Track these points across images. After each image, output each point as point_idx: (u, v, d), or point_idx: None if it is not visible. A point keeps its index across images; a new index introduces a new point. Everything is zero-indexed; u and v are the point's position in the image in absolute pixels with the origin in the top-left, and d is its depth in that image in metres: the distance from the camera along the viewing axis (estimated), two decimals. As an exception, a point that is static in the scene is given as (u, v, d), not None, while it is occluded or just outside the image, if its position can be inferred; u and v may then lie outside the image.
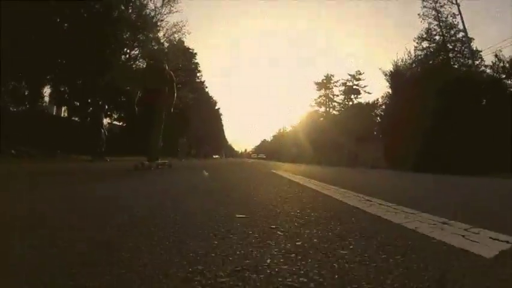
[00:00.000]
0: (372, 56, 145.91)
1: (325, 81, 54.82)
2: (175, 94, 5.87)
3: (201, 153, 35.12)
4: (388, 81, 34.63)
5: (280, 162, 24.42)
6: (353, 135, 27.83)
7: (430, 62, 28.91)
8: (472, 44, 28.02)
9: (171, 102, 5.79)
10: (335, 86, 54.35)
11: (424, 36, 31.21)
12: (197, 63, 38.37)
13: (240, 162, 11.11)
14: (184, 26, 21.40)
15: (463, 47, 29.38)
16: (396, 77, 22.53)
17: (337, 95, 53.90)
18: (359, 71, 53.18)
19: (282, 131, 65.92)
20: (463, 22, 26.05)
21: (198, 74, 38.88)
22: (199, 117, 31.26)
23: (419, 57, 30.34)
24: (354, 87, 54.00)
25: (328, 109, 54.27)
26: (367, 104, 40.50)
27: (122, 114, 26.50)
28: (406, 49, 39.76)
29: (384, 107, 32.95)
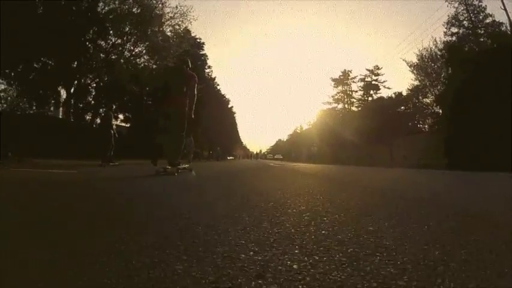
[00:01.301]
0: (383, 52, 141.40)
1: (342, 77, 52.27)
2: (196, 97, 5.53)
3: (213, 155, 33.61)
4: (413, 72, 32.41)
5: (301, 163, 22.42)
6: (386, 132, 25.40)
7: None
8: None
9: (191, 105, 5.45)
10: (353, 82, 51.78)
11: (453, 21, 29.10)
12: (205, 55, 36.40)
13: (263, 167, 9.19)
14: (190, 11, 19.27)
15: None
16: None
17: (356, 91, 51.32)
18: (377, 65, 50.48)
19: (299, 129, 63.60)
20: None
21: (206, 67, 36.98)
22: (211, 115, 29.32)
23: (450, 42, 28.16)
24: (373, 82, 51.43)
25: (347, 106, 51.78)
26: (390, 98, 37.94)
27: (127, 114, 25.27)
28: (432, 37, 37.12)
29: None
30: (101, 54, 18.02)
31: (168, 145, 5.38)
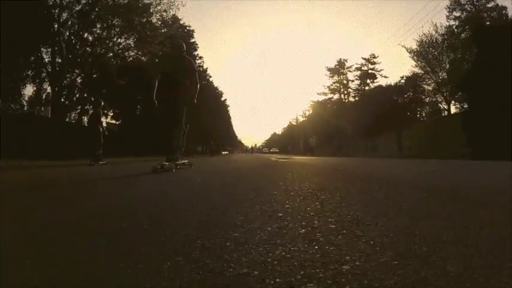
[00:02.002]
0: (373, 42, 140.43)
1: (338, 66, 50.94)
2: (198, 85, 5.17)
3: (207, 150, 32.20)
4: (413, 59, 31.19)
5: (302, 156, 21.02)
6: (386, 121, 24.19)
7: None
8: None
9: (194, 94, 5.05)
10: (349, 71, 50.49)
11: (455, 5, 28.01)
12: (195, 43, 33.97)
13: (263, 162, 8.20)
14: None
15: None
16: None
17: (352, 81, 50.09)
18: (373, 54, 49.26)
19: (294, 121, 62.09)
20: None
21: (197, 57, 34.54)
22: (204, 109, 27.63)
23: (453, 27, 27.21)
24: (370, 71, 50.23)
25: (343, 96, 50.58)
26: (389, 86, 36.74)
27: (116, 111, 23.81)
28: (432, 22, 36.15)
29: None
30: (87, 48, 16.50)
31: (167, 138, 4.93)
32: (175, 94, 4.81)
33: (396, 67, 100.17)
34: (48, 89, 16.92)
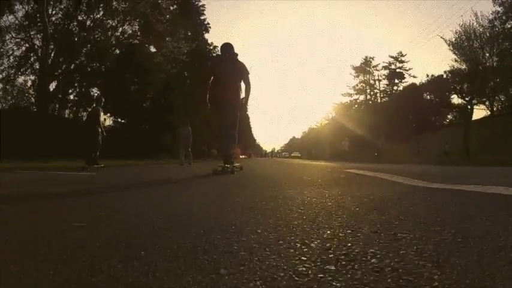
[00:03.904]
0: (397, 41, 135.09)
1: (364, 65, 47.90)
2: (251, 87, 5.08)
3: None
4: (454, 52, 28.05)
5: (337, 163, 18.22)
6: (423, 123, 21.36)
7: None
8: None
9: (247, 97, 5.07)
10: (376, 69, 47.35)
11: None
12: (206, 22, 29.28)
13: (296, 168, 6.46)
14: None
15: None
16: None
17: (380, 80, 46.90)
18: (401, 52, 46.00)
19: (318, 124, 59.01)
20: None
21: (210, 41, 30.27)
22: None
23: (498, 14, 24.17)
24: (398, 70, 46.91)
25: (369, 96, 47.46)
26: (423, 84, 33.57)
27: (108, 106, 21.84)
28: (473, 10, 33.06)
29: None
30: (84, 33, 14.77)
31: (224, 142, 4.99)
32: (229, 97, 4.81)
33: (424, 67, 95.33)
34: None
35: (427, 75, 34.84)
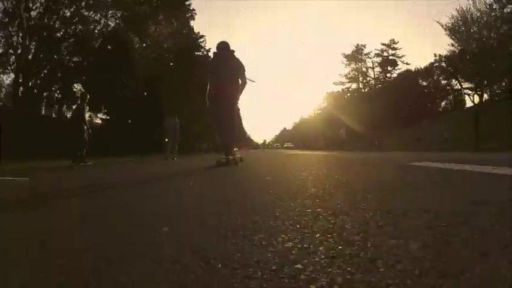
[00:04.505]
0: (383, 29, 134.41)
1: (355, 53, 46.82)
2: (246, 82, 5.29)
3: (214, 146, 28.61)
4: (451, 37, 27.21)
5: (339, 151, 16.97)
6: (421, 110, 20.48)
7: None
8: None
9: (241, 90, 5.27)
10: (368, 57, 46.35)
11: None
12: (192, 10, 26.17)
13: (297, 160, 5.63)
14: None
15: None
16: None
17: (372, 68, 45.97)
18: (393, 39, 45.07)
19: (312, 114, 57.82)
20: None
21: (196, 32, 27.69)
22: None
23: None
24: (391, 57, 46.03)
25: (361, 85, 46.56)
26: (418, 70, 32.76)
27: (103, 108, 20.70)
28: None
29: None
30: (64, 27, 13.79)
31: (225, 136, 5.14)
32: (228, 93, 5.01)
33: (417, 54, 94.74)
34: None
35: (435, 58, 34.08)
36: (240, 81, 5.17)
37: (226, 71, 5.02)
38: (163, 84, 19.22)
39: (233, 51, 5.27)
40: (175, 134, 9.97)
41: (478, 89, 26.24)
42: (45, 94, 17.17)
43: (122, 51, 17.26)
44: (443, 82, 31.48)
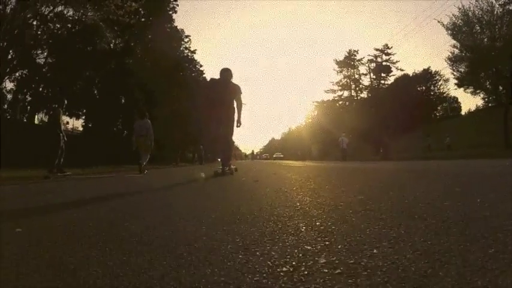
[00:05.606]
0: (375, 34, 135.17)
1: (347, 60, 44.76)
2: (242, 104, 5.78)
3: (196, 158, 25.63)
4: (451, 35, 25.18)
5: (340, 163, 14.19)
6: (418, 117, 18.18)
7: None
8: None
9: (240, 113, 5.75)
10: (361, 63, 44.33)
11: None
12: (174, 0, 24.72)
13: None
14: None
15: None
16: None
17: (365, 74, 43.91)
18: (386, 44, 43.25)
19: (303, 123, 55.12)
20: None
21: (183, 36, 27.63)
22: (193, 105, 20.54)
23: None
24: (384, 63, 44.10)
25: (354, 92, 44.36)
26: (415, 75, 30.55)
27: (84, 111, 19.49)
28: None
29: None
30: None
31: (224, 149, 5.66)
32: (226, 114, 5.49)
33: (411, 60, 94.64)
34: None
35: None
36: (235, 103, 5.66)
37: (222, 95, 5.49)
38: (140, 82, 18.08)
39: (231, 76, 5.76)
40: (144, 139, 7.99)
41: (482, 92, 24.30)
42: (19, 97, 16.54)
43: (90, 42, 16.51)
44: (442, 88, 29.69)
